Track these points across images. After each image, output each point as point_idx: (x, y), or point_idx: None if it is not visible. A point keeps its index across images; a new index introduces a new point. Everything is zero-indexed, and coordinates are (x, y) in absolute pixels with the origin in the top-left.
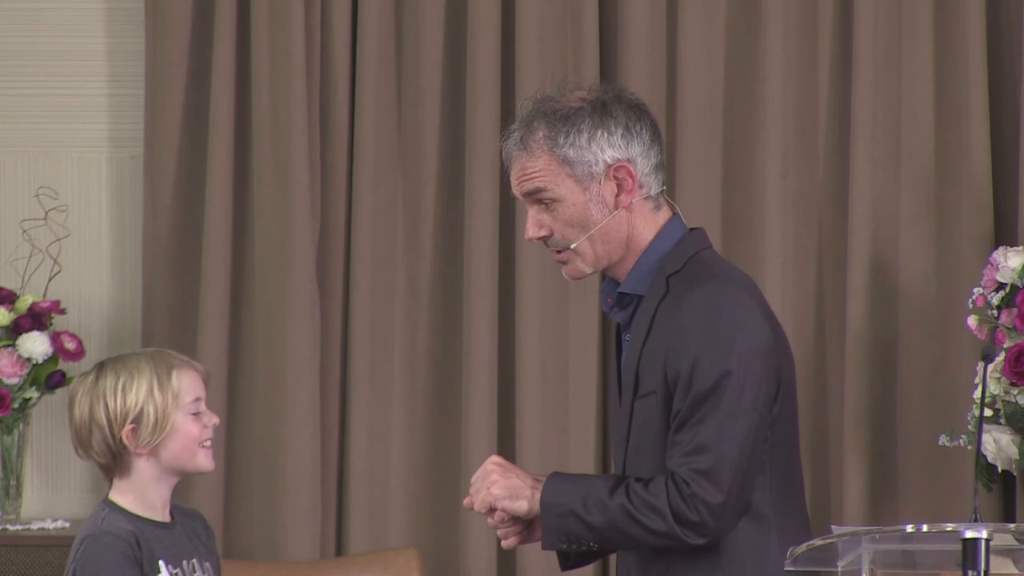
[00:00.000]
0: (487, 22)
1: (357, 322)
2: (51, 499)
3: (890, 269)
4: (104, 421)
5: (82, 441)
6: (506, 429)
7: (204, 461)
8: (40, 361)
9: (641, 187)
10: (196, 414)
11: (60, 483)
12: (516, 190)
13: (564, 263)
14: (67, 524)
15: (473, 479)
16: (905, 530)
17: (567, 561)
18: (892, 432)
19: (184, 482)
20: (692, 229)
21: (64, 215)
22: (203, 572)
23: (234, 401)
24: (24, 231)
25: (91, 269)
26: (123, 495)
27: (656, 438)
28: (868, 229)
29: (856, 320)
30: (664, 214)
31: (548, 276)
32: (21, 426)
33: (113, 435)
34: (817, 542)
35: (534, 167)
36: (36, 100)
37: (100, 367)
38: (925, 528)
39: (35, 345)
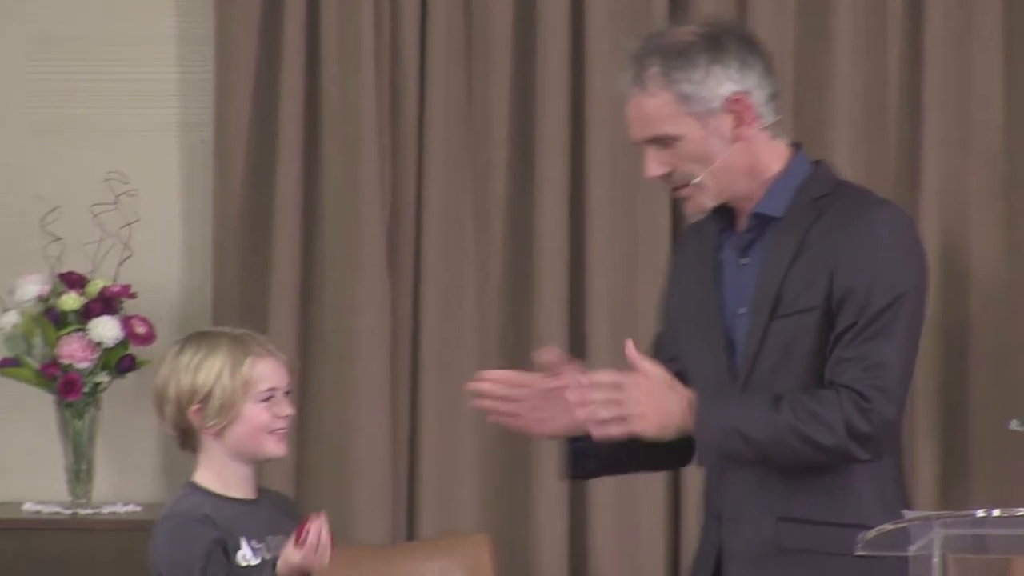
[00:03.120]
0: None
1: (427, 306)
2: (122, 483)
3: (960, 251)
4: (174, 395)
5: (158, 410)
6: None
7: (272, 448)
8: (111, 345)
9: (759, 118)
10: (268, 400)
11: (131, 467)
12: (634, 134)
13: (686, 199)
14: (138, 508)
15: (600, 382)
16: (976, 515)
17: (576, 470)
18: (963, 417)
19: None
20: (815, 161)
21: (134, 199)
22: None
23: (304, 386)
24: (94, 215)
25: (161, 253)
26: (204, 474)
27: (806, 356)
28: (938, 211)
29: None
30: (783, 142)
31: (618, 258)
32: (92, 410)
33: (181, 411)
34: (888, 527)
35: (651, 106)
36: (106, 85)
37: (186, 340)
38: (996, 513)
39: (105, 329)
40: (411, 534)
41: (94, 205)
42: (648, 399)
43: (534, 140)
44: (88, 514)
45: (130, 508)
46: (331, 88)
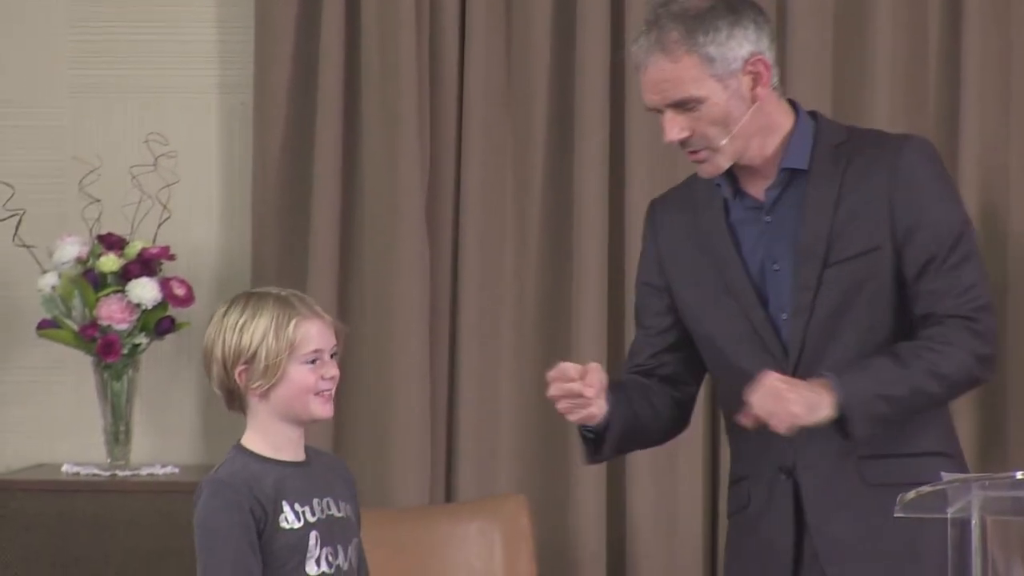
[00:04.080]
0: None
1: (466, 269)
2: (160, 445)
3: (999, 218)
4: (220, 356)
5: (207, 370)
6: (615, 371)
7: (318, 410)
8: (149, 307)
9: (772, 78)
10: (314, 362)
11: (169, 429)
12: (655, 99)
13: (702, 162)
14: (176, 470)
15: (757, 398)
16: (1015, 477)
17: (595, 454)
18: (1001, 379)
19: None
20: (811, 112)
21: (173, 161)
22: (339, 511)
23: (343, 350)
24: (133, 177)
25: (200, 215)
26: (251, 436)
27: (873, 296)
28: (977, 180)
29: None
30: (784, 99)
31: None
32: (130, 372)
33: (227, 372)
34: (926, 489)
35: (674, 70)
36: (145, 46)
37: (233, 300)
38: None
39: (144, 291)
40: (449, 496)
41: (133, 167)
42: (797, 398)
43: (574, 109)
44: (126, 476)
45: (168, 470)
46: (370, 50)
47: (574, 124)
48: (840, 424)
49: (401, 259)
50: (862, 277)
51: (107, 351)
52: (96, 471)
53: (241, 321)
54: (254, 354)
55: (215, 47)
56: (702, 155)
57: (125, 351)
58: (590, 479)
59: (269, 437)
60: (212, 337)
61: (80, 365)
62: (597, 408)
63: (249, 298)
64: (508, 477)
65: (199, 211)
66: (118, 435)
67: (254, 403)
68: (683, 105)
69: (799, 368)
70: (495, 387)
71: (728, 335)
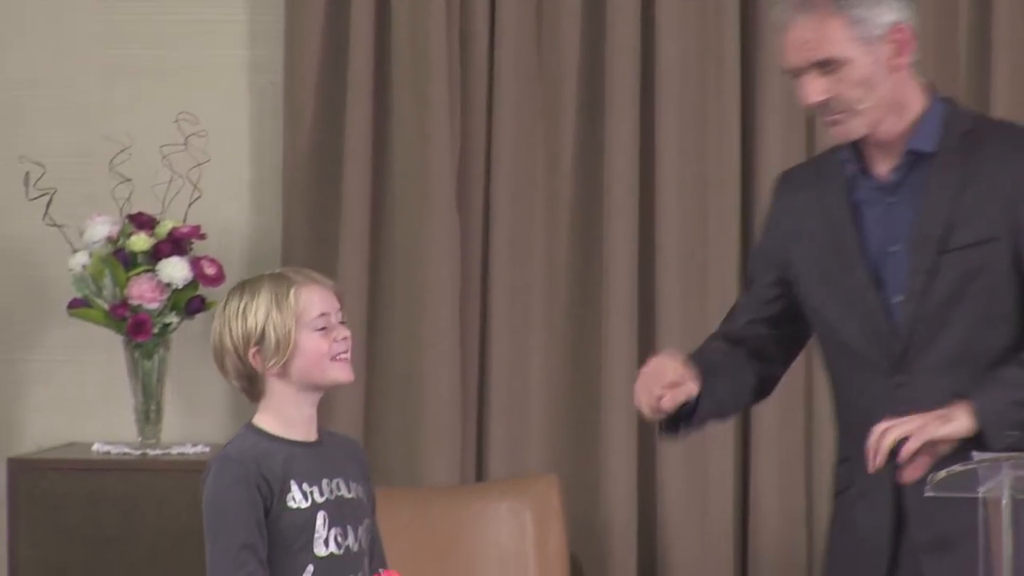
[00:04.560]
0: None
1: (497, 249)
2: (191, 424)
3: None
4: (231, 346)
5: (220, 366)
6: (646, 353)
7: (338, 374)
8: (180, 286)
9: (912, 51)
10: (323, 329)
11: (200, 408)
12: (796, 59)
13: (836, 124)
14: (207, 449)
15: (885, 431)
16: None
17: (672, 428)
18: None
19: (324, 407)
20: (944, 98)
21: (204, 140)
22: (349, 492)
23: (374, 327)
24: (164, 156)
25: (231, 194)
26: (264, 416)
27: (989, 286)
28: None
29: None
30: (919, 80)
31: (688, 201)
32: (161, 351)
33: (242, 359)
34: (958, 468)
35: (820, 29)
36: (176, 26)
37: (230, 293)
38: None
39: (175, 270)
40: (480, 475)
41: (164, 146)
42: (924, 415)
43: (604, 90)
44: (157, 455)
45: (199, 449)
46: (401, 34)
47: (604, 105)
48: (978, 438)
49: (432, 239)
50: (978, 266)
51: (138, 330)
52: (127, 450)
53: (242, 305)
54: (262, 333)
55: (245, 26)
56: (839, 118)
57: (156, 330)
58: (621, 458)
59: (283, 416)
60: (219, 331)
61: (111, 344)
62: (685, 395)
63: (243, 284)
64: (539, 456)
65: (229, 190)
66: (148, 414)
67: (273, 383)
68: (825, 66)
69: (907, 353)
70: (525, 367)
71: (840, 314)
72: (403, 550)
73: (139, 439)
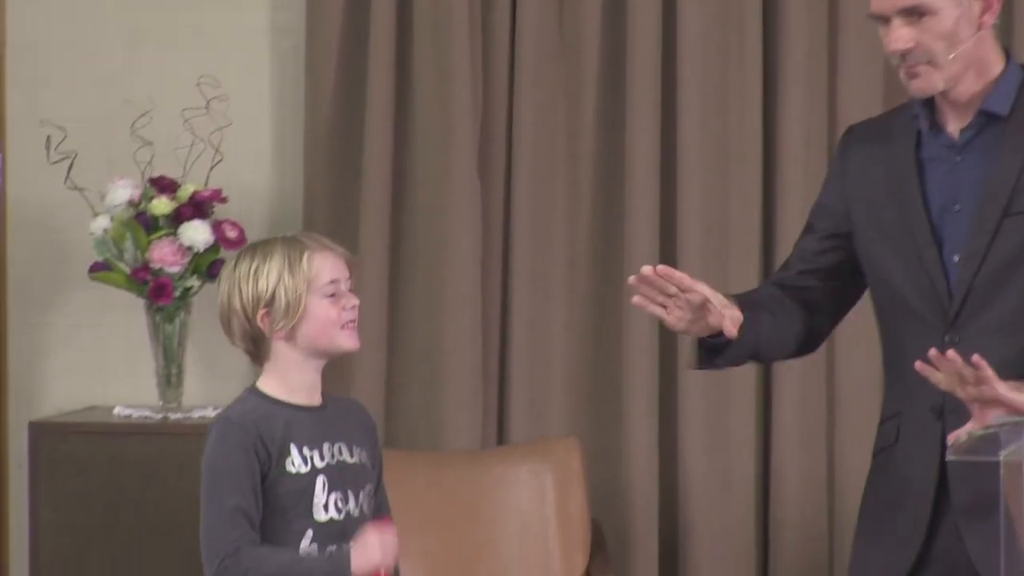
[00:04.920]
0: None
1: (518, 215)
2: (212, 388)
3: None
4: (239, 307)
5: (226, 328)
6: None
7: (345, 341)
8: (201, 250)
9: (998, 11)
10: (333, 296)
11: (220, 371)
12: (884, 5)
13: (916, 76)
14: None
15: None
16: None
17: (706, 360)
18: None
19: (346, 373)
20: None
21: (225, 104)
22: (352, 456)
23: (395, 293)
24: (185, 120)
25: (252, 158)
26: (267, 380)
27: None
28: None
29: None
30: (999, 44)
31: (709, 167)
32: (182, 315)
33: (249, 320)
34: (979, 432)
35: None
36: None
37: (240, 254)
38: None
39: (196, 234)
40: (501, 439)
41: (185, 110)
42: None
43: (625, 55)
44: (178, 418)
45: (220, 412)
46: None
47: (626, 75)
48: None
49: (453, 205)
50: None
51: (159, 294)
52: (148, 414)
53: (253, 267)
54: (273, 295)
55: None
56: (919, 70)
57: (177, 294)
58: (642, 421)
59: (287, 380)
60: (227, 293)
61: (132, 308)
62: (728, 323)
63: (255, 247)
64: (560, 420)
65: (251, 154)
66: (170, 378)
67: (279, 347)
68: (912, 14)
69: (961, 315)
70: (547, 330)
71: (897, 270)
72: (424, 514)
73: (160, 403)
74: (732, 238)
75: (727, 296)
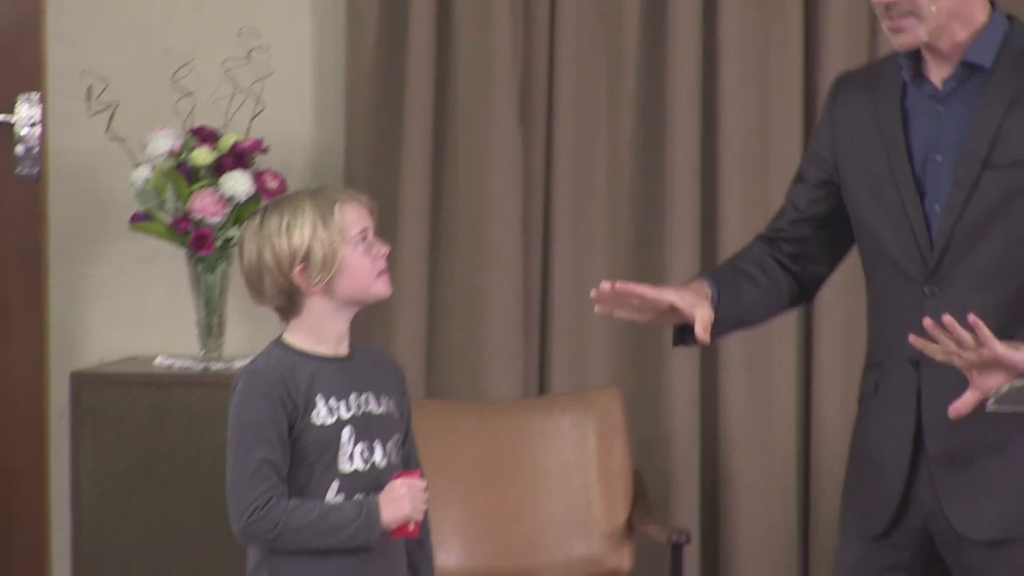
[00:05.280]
0: None
1: (560, 163)
2: (252, 338)
3: None
4: (273, 264)
5: (254, 286)
6: (709, 264)
7: (380, 289)
8: (242, 200)
9: None
10: (364, 245)
11: (261, 322)
12: None
13: (901, 31)
14: None
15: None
16: None
17: (685, 340)
18: None
19: (386, 323)
20: (1008, 16)
21: (267, 54)
22: (379, 407)
23: (436, 243)
24: (226, 70)
25: (293, 108)
26: (295, 332)
27: None
28: None
29: None
30: None
31: (750, 115)
32: (223, 265)
33: (284, 276)
34: (1019, 383)
35: None
36: None
37: (264, 210)
38: None
39: (237, 184)
40: (542, 389)
41: (226, 60)
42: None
43: (667, 2)
44: (219, 368)
45: (244, 366)
46: None
47: (667, 13)
48: None
49: (495, 153)
50: (1019, 184)
51: (200, 244)
52: (189, 364)
53: (284, 223)
54: (308, 250)
55: None
56: (904, 24)
57: (218, 244)
58: (684, 371)
59: (316, 332)
60: (256, 249)
61: (173, 258)
62: (699, 327)
63: (280, 202)
64: (601, 370)
65: (292, 104)
66: (211, 328)
67: (313, 301)
68: None
69: (940, 265)
70: (588, 280)
71: (880, 220)
72: (466, 464)
73: (201, 353)
74: (773, 177)
75: (702, 281)
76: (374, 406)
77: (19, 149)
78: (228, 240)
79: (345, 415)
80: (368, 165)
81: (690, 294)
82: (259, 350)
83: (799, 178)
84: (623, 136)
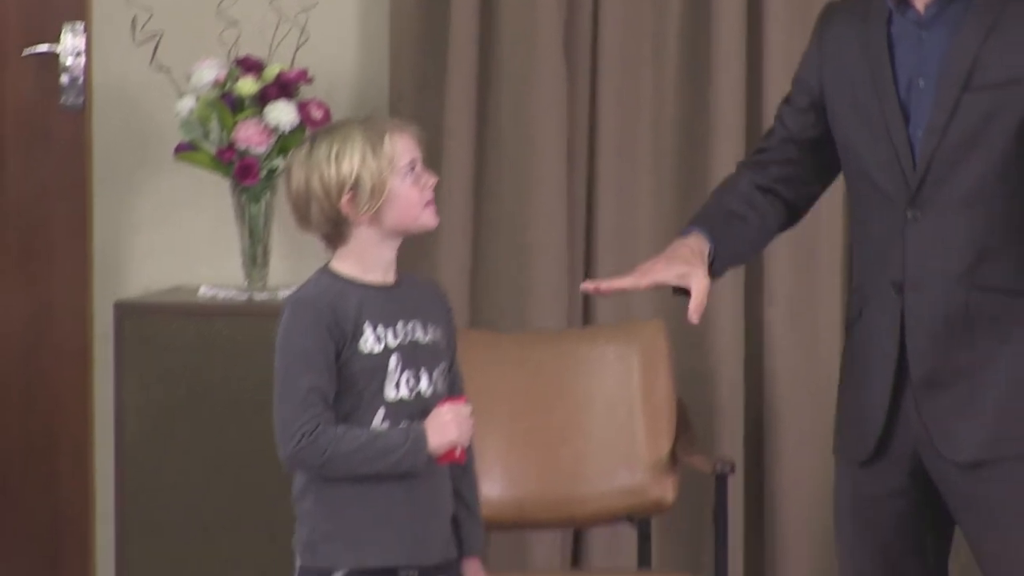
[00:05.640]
0: None
1: (604, 89)
2: (297, 268)
3: None
4: (321, 192)
5: (301, 214)
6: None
7: (427, 219)
8: (287, 131)
9: None
10: (413, 176)
11: (305, 252)
12: None
13: None
14: None
15: None
16: None
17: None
18: None
19: (432, 253)
20: None
21: None
22: (425, 335)
23: (480, 173)
24: (271, 0)
25: (338, 38)
26: (342, 260)
27: (1008, 128)
28: None
29: None
30: None
31: (796, 46)
32: (268, 195)
33: (332, 205)
34: None
35: None
36: None
37: (313, 138)
38: None
39: (282, 114)
40: (587, 320)
41: None
42: None
43: None
44: (263, 299)
45: (291, 294)
46: None
47: None
48: None
49: (539, 83)
50: (999, 107)
51: (244, 174)
52: (233, 294)
53: (334, 151)
54: (357, 179)
55: None
56: None
57: (263, 174)
58: (727, 301)
59: (363, 261)
60: (304, 177)
61: (218, 189)
62: (692, 309)
63: (330, 130)
64: (646, 301)
65: (337, 34)
66: (255, 258)
67: (360, 230)
68: None
69: (922, 189)
70: (633, 210)
71: (864, 145)
72: (509, 394)
73: (246, 283)
74: None
75: (698, 234)
76: (420, 334)
77: (64, 79)
78: (272, 170)
79: (392, 343)
80: (413, 95)
81: (681, 264)
82: (303, 280)
83: (787, 101)
84: (668, 67)
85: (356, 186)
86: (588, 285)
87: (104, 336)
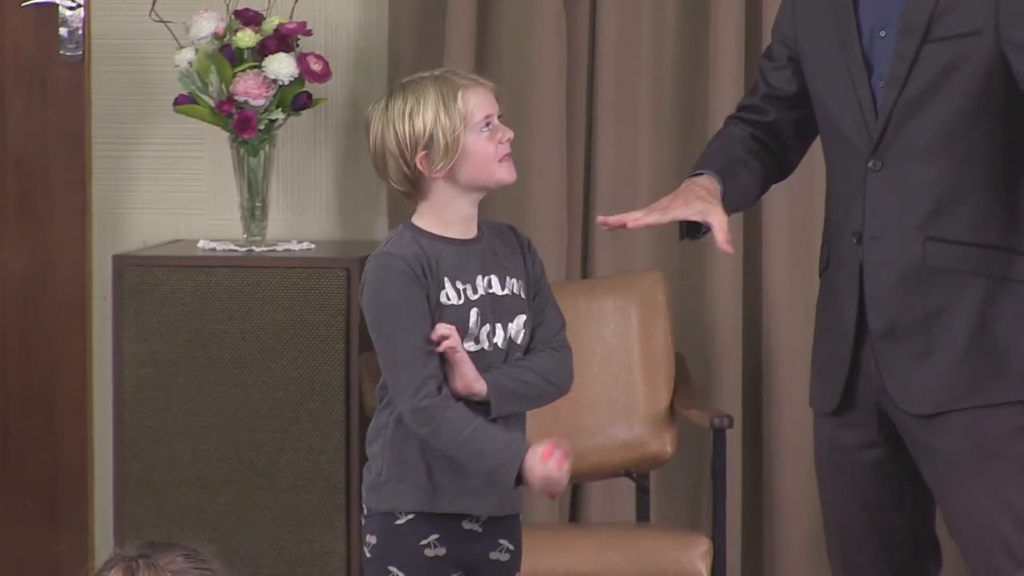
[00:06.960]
0: None
1: (603, 42)
2: (296, 221)
3: None
4: (396, 149)
5: (379, 168)
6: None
7: (504, 175)
8: (286, 83)
9: None
10: (488, 131)
11: (305, 205)
12: None
13: None
14: (312, 246)
15: None
16: None
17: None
18: None
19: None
20: None
21: None
22: (503, 288)
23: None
24: None
25: None
26: (423, 216)
27: (968, 79)
28: None
29: None
30: None
31: None
32: (267, 148)
33: (407, 162)
34: None
35: None
36: None
37: (391, 92)
38: None
39: (281, 66)
40: (585, 272)
41: None
42: None
43: None
44: (262, 252)
45: (304, 246)
46: None
47: None
48: None
49: (538, 33)
50: (958, 58)
51: (243, 127)
52: (232, 247)
53: (408, 108)
54: (431, 136)
55: None
56: None
57: (261, 127)
58: (726, 255)
59: (443, 216)
60: (380, 132)
61: (216, 141)
62: (721, 240)
63: (405, 85)
64: (644, 252)
65: None
66: (254, 211)
67: (438, 186)
68: None
69: (883, 139)
70: (632, 161)
71: (831, 96)
72: None
73: (245, 236)
74: None
75: (710, 175)
76: (498, 288)
77: (63, 31)
78: (271, 123)
79: (472, 296)
80: (412, 47)
81: (699, 201)
82: (302, 234)
83: (767, 55)
84: (667, 15)
85: (430, 144)
86: (616, 220)
87: (103, 288)
